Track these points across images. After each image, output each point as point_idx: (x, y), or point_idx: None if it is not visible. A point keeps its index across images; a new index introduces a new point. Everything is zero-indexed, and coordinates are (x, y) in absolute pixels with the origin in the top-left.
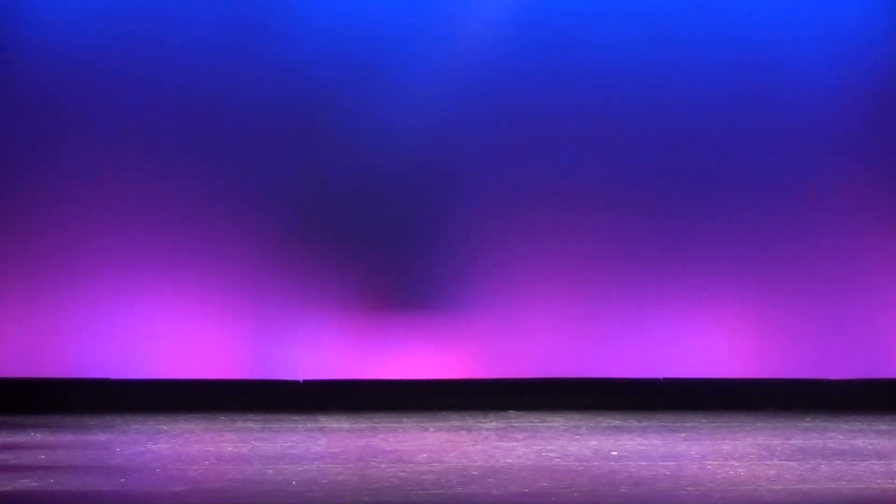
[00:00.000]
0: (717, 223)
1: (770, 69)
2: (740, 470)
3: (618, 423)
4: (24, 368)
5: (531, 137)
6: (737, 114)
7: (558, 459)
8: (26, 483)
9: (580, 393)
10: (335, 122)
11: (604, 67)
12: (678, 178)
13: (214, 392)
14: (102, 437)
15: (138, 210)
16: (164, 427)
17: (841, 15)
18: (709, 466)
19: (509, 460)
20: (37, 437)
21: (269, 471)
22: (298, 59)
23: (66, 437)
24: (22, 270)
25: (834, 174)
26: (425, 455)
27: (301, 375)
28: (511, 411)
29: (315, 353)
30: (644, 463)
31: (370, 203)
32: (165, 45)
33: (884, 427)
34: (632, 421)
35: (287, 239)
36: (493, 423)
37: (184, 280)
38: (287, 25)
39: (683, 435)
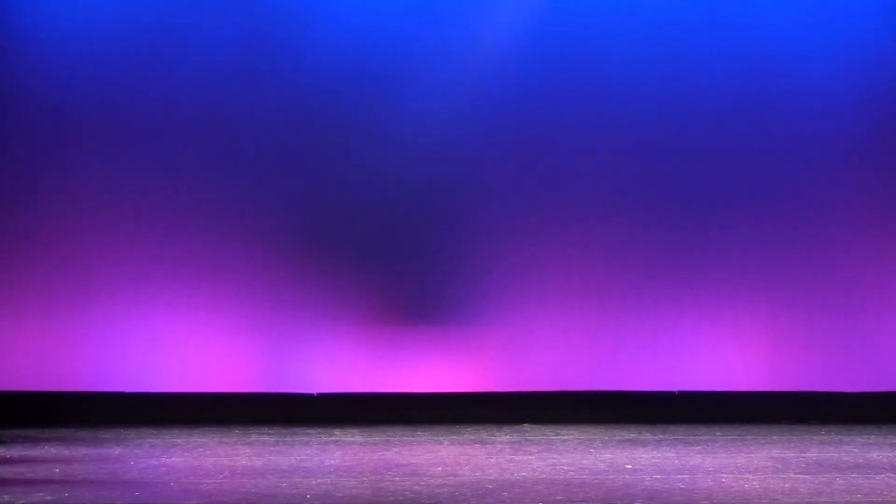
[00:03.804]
0: (732, 235)
1: (782, 80)
2: (755, 483)
3: (632, 436)
4: (38, 382)
5: (545, 150)
6: (749, 126)
7: (573, 473)
8: (41, 496)
9: (595, 406)
10: (349, 135)
11: (618, 80)
12: (692, 190)
13: (229, 405)
14: (117, 450)
15: (153, 223)
16: (179, 440)
17: (852, 25)
18: (723, 480)
19: (524, 473)
20: (51, 450)
21: (284, 484)
22: (314, 73)
23: (81, 451)
24: (37, 284)
25: (848, 186)
26: (440, 468)
27: (315, 389)
28: (525, 424)
29: (329, 367)
30: (658, 476)
31: (384, 215)
32: (179, 58)
33: None
34: (646, 434)
35: (301, 252)
36: (508, 437)
37: (198, 293)
38: (300, 37)
39: (698, 448)
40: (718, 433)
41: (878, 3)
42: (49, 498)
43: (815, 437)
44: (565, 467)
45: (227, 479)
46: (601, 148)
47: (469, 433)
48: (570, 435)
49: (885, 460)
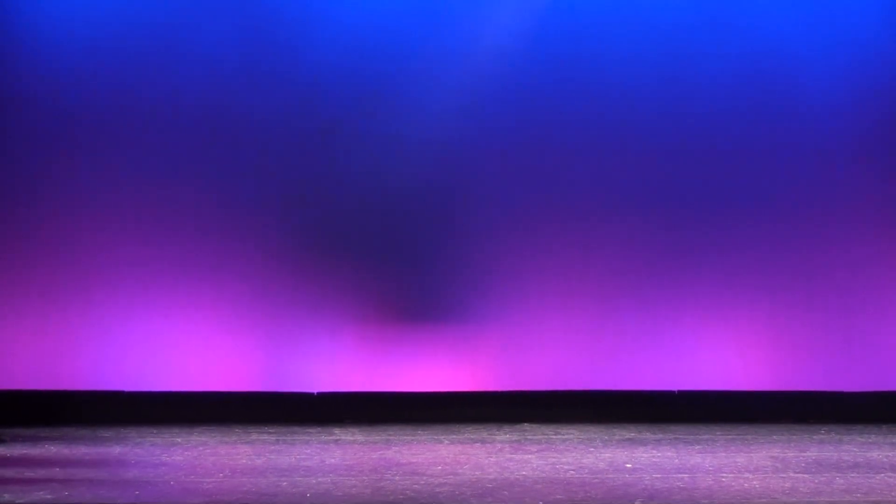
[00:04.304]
0: (732, 236)
1: (782, 80)
2: (755, 482)
3: (632, 435)
4: (38, 381)
5: (544, 150)
6: (749, 126)
7: (573, 472)
8: (41, 496)
9: (595, 405)
10: (349, 135)
11: (618, 80)
12: (692, 190)
13: (229, 404)
14: (117, 449)
15: (152, 222)
16: (179, 440)
17: (853, 26)
18: (723, 479)
19: (524, 473)
20: (51, 449)
21: (284, 483)
22: (315, 72)
23: (81, 450)
24: (36, 283)
25: (848, 186)
26: (440, 467)
27: (315, 388)
28: (525, 423)
29: (329, 366)
30: (658, 475)
31: (384, 215)
32: (179, 58)
33: None
34: (646, 433)
35: (302, 252)
36: (508, 436)
37: (198, 292)
38: (300, 38)
39: (698, 447)
40: (718, 432)
41: (878, 3)
42: (49, 497)
43: (814, 437)
44: (565, 466)
45: (227, 477)
46: (601, 148)
47: (469, 432)
48: (570, 434)
49: (885, 460)
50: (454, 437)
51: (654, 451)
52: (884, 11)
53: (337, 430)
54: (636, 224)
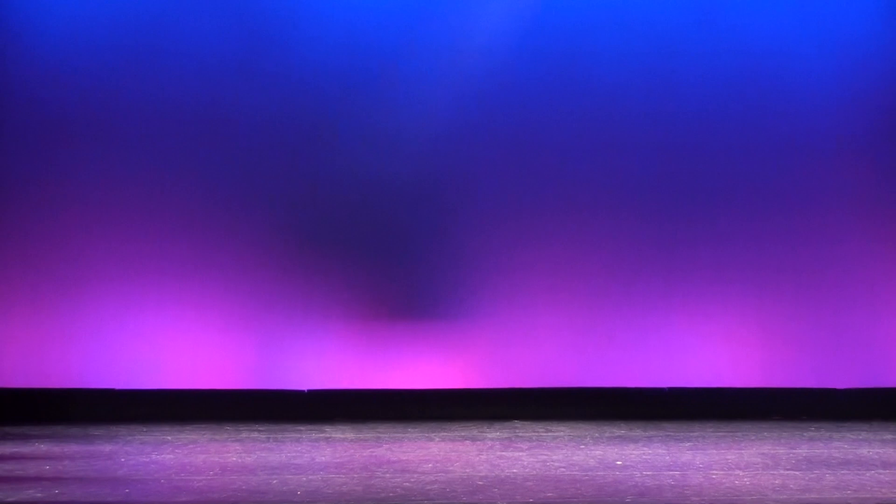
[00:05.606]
0: (722, 233)
1: (773, 78)
2: (745, 479)
3: (623, 432)
4: (29, 379)
5: (536, 147)
6: (741, 123)
7: (563, 469)
8: (31, 494)
9: (585, 402)
10: (340, 133)
11: (609, 77)
12: (683, 187)
13: (219, 402)
14: (107, 447)
15: (144, 221)
16: (169, 437)
17: (844, 24)
18: (714, 476)
19: (514, 470)
20: (42, 447)
21: (274, 481)
22: (306, 69)
23: (71, 448)
24: (27, 281)
25: (838, 183)
26: (430, 465)
27: (306, 385)
28: (516, 421)
29: (320, 364)
30: (649, 472)
31: (375, 213)
32: (174, 56)
33: (889, 436)
34: (637, 430)
35: (292, 250)
36: (498, 433)
37: (189, 291)
38: (294, 34)
39: (688, 444)
40: (709, 429)
41: (874, 3)
42: (39, 495)
43: (805, 434)
44: (556, 464)
45: (217, 475)
46: (592, 146)
47: (460, 430)
48: (561, 431)
49: (875, 456)
50: (445, 434)
51: (645, 449)
52: (879, 12)
53: (327, 428)
54: (627, 221)
